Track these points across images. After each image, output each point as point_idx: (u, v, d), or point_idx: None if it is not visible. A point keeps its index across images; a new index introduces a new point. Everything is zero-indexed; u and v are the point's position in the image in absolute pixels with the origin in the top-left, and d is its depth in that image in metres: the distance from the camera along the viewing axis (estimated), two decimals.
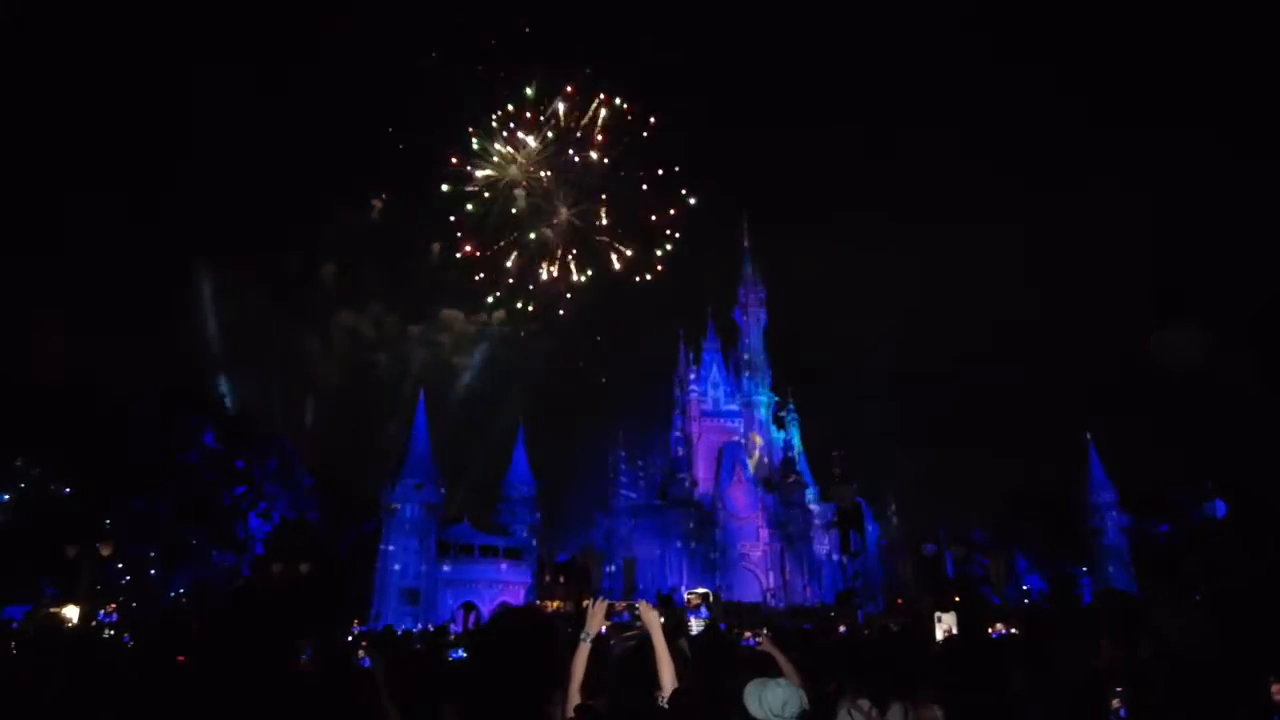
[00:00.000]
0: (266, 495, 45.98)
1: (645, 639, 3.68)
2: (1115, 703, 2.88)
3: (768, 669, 3.80)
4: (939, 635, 15.67)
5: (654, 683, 3.48)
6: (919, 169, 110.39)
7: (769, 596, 55.32)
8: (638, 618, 3.86)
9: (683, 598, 44.18)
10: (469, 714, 2.82)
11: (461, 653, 6.85)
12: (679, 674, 3.50)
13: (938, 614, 18.07)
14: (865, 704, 4.15)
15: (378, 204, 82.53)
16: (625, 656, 3.98)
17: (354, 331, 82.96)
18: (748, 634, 3.79)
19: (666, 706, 3.36)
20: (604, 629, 3.95)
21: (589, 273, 59.93)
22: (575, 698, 3.39)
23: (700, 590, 44.57)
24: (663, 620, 3.85)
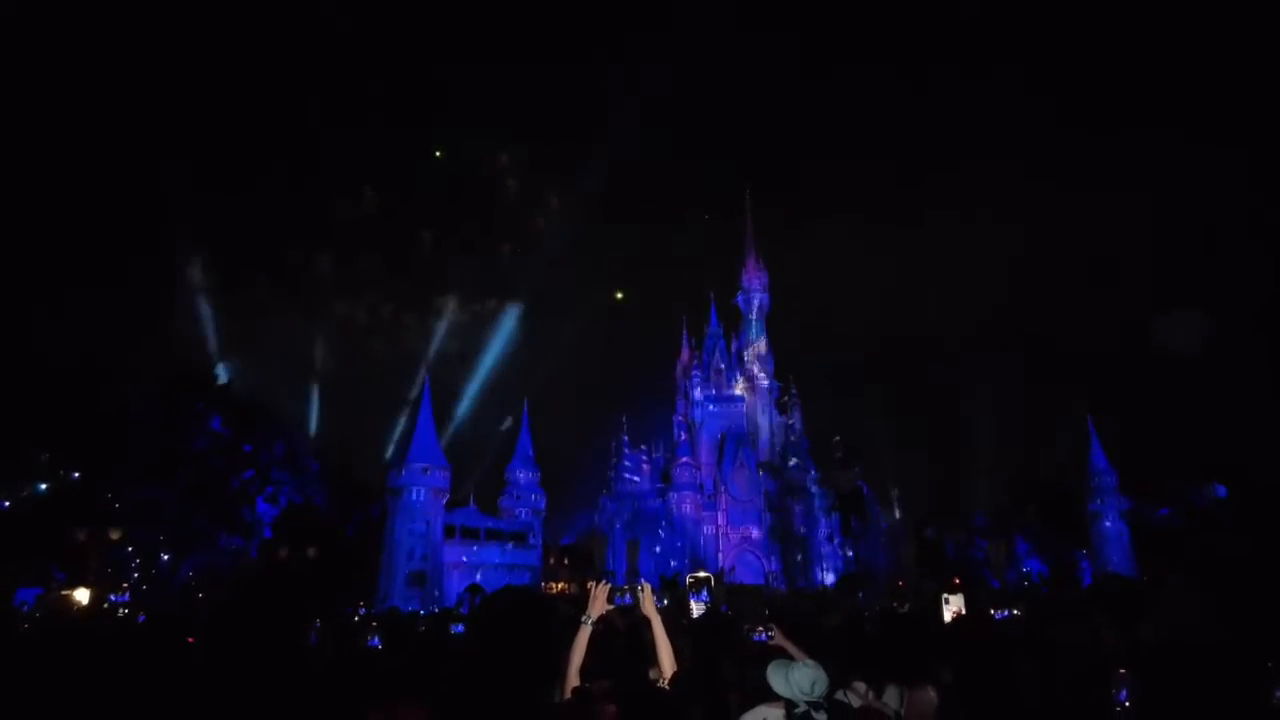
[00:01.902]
0: (274, 480, 46.29)
1: (643, 621, 3.73)
2: (1116, 687, 2.91)
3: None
4: (947, 617, 15.83)
5: (651, 661, 3.53)
6: (921, 156, 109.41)
7: (771, 579, 55.70)
8: (640, 601, 3.91)
9: (686, 580, 44.51)
10: (461, 695, 2.89)
11: (459, 627, 6.98)
12: (677, 656, 3.55)
13: (945, 595, 18.23)
14: (861, 686, 4.21)
15: (370, 196, 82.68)
16: (628, 637, 4.04)
17: (354, 319, 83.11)
18: (759, 629, 3.79)
19: (667, 688, 3.41)
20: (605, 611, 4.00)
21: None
22: (574, 680, 3.44)
23: (701, 574, 44.88)
24: (665, 602, 3.89)
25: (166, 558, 36.62)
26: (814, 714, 3.14)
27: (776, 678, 3.27)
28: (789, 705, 3.20)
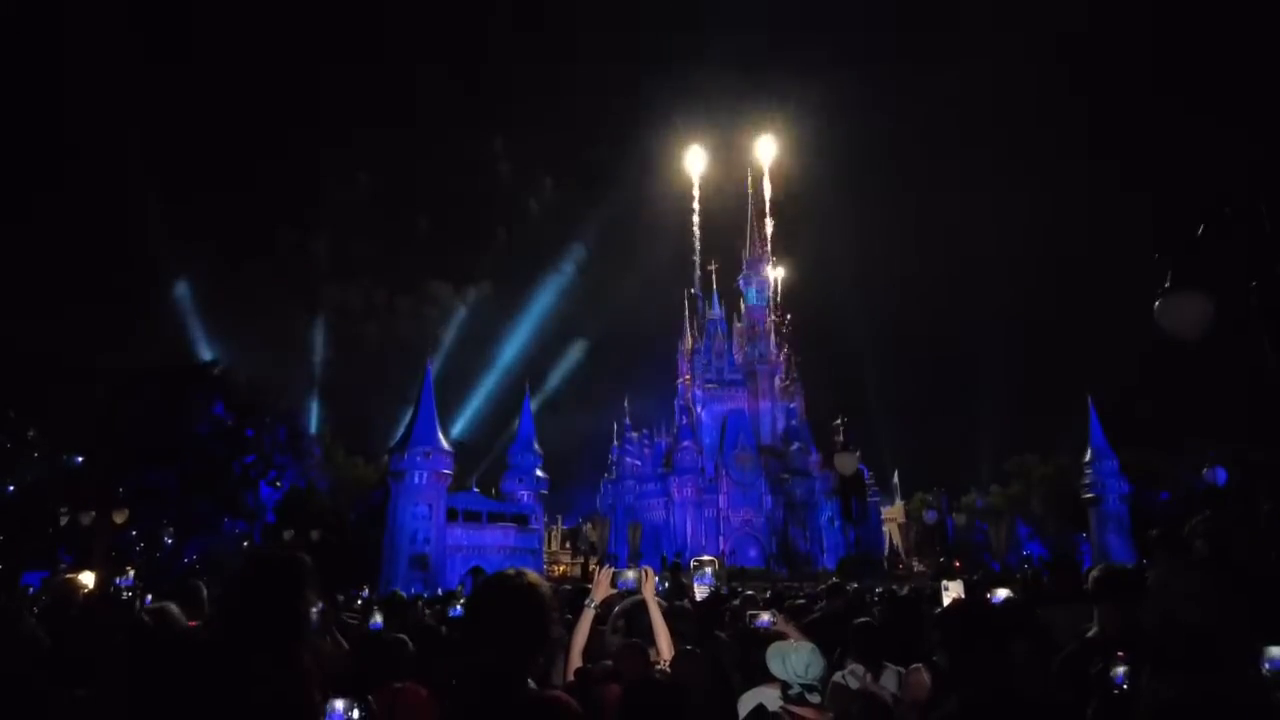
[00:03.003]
0: (276, 464, 46.48)
1: (642, 604, 3.76)
2: (1117, 670, 2.92)
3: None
4: (946, 602, 15.89)
5: (650, 644, 3.56)
6: (924, 139, 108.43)
7: (772, 562, 56.06)
8: (640, 584, 3.94)
9: (688, 563, 44.77)
10: (458, 674, 2.93)
11: (458, 610, 7.06)
12: (674, 637, 3.58)
13: (945, 583, 18.27)
14: (859, 668, 4.25)
15: (362, 180, 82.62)
16: (628, 620, 4.07)
17: (357, 305, 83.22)
18: (762, 616, 3.84)
19: (669, 671, 3.43)
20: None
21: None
22: (577, 661, 3.48)
23: (705, 557, 45.18)
24: (666, 585, 3.91)
25: (170, 542, 36.88)
26: (807, 695, 3.21)
27: (774, 660, 3.34)
28: (784, 686, 3.27)
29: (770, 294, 68.88)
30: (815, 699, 3.23)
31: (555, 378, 76.38)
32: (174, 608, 3.03)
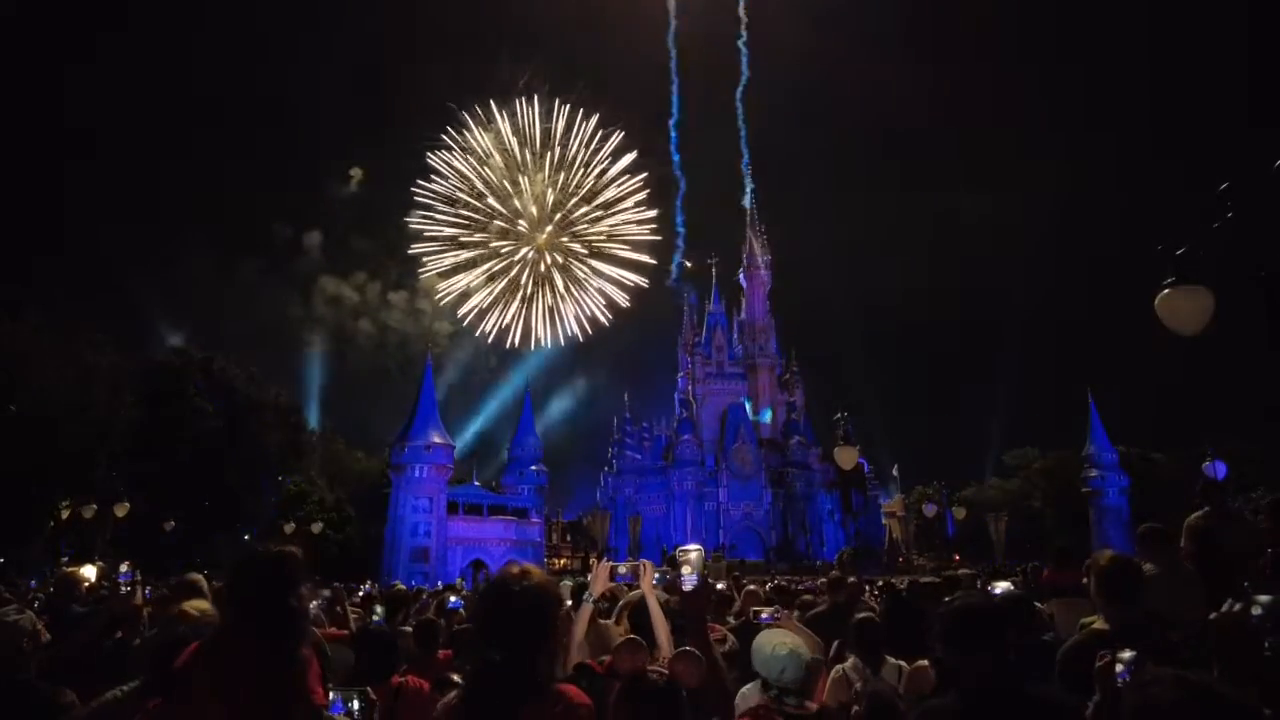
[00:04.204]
0: (276, 458, 46.52)
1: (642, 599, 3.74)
2: (1120, 664, 2.91)
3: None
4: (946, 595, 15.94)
5: (650, 640, 3.53)
6: (923, 130, 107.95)
7: (772, 555, 56.20)
8: (639, 578, 3.91)
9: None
10: (461, 668, 2.91)
11: (457, 601, 7.08)
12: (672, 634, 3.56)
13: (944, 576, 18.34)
14: (859, 663, 4.25)
15: (356, 175, 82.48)
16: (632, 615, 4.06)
17: (349, 300, 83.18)
18: (764, 612, 3.84)
19: (665, 668, 3.42)
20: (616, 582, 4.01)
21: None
22: (576, 656, 3.46)
23: (692, 551, 45.23)
24: (667, 578, 3.89)
25: (171, 537, 36.92)
26: (785, 698, 3.15)
27: (756, 657, 3.30)
28: (764, 684, 3.25)
29: (769, 288, 68.82)
30: (792, 702, 3.17)
31: (558, 371, 76.31)
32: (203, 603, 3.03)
